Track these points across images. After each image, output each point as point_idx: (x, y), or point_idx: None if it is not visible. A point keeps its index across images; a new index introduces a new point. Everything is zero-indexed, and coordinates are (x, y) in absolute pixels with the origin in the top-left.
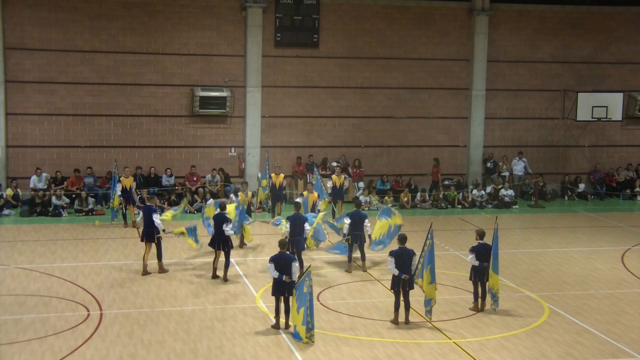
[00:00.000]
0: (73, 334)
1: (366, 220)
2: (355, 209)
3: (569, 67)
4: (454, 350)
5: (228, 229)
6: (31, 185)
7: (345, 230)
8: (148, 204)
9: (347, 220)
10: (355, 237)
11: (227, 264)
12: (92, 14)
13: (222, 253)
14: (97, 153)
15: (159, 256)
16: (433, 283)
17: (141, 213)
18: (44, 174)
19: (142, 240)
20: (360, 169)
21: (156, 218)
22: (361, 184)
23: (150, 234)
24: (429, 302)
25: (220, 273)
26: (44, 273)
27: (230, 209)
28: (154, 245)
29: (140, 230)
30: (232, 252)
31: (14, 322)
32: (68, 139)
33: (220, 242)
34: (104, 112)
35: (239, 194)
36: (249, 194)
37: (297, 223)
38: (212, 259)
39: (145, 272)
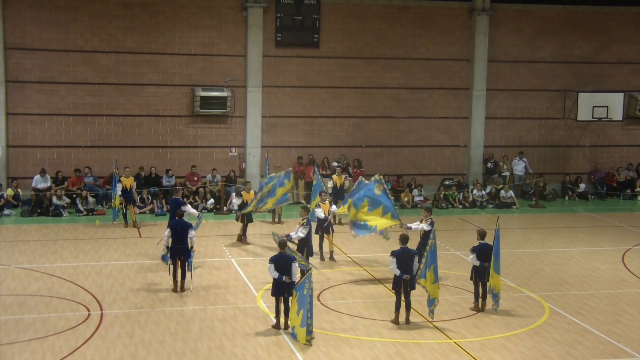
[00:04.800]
0: (74, 334)
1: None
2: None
3: (570, 67)
4: (455, 350)
5: (192, 235)
6: (33, 184)
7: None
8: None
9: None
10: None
11: (183, 274)
12: (92, 14)
13: (179, 263)
14: (98, 153)
15: (183, 275)
16: (436, 282)
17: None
18: (47, 175)
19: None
20: (361, 169)
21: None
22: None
23: (181, 251)
24: (432, 302)
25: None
26: (44, 273)
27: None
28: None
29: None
30: (233, 251)
31: (14, 322)
32: (69, 139)
33: (181, 252)
34: (104, 112)
35: (242, 193)
36: (252, 192)
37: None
38: (171, 269)
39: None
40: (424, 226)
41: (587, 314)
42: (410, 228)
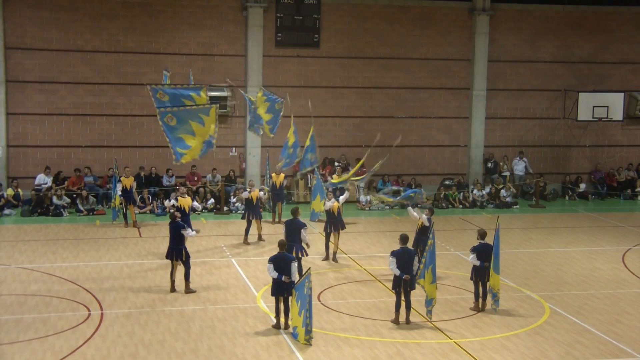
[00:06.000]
0: (74, 334)
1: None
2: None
3: (570, 67)
4: (455, 350)
5: (188, 233)
6: (36, 182)
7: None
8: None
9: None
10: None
11: (187, 274)
12: (93, 14)
13: (179, 264)
14: (98, 153)
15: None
16: (434, 283)
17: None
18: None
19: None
20: (363, 169)
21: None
22: (362, 184)
23: (179, 252)
24: (430, 302)
25: (181, 286)
26: (44, 273)
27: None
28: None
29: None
30: (233, 251)
31: (14, 322)
32: (69, 138)
33: (179, 252)
34: (104, 111)
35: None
36: (256, 190)
37: (292, 228)
38: (171, 269)
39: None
40: (424, 217)
41: (588, 314)
42: (410, 207)
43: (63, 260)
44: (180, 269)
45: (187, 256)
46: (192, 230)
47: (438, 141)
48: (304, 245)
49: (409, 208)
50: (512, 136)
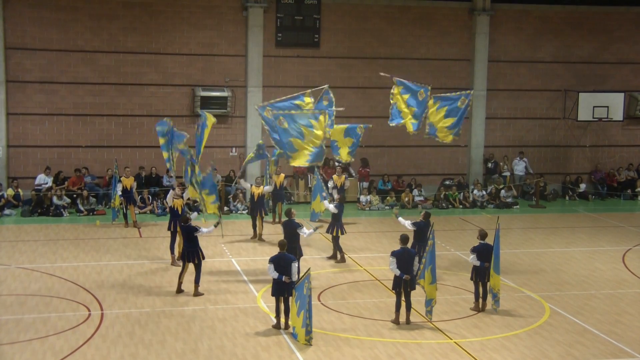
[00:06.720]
0: (74, 334)
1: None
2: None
3: (570, 67)
4: (455, 350)
5: (201, 232)
6: (36, 182)
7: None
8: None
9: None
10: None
11: (197, 278)
12: (93, 14)
13: (192, 266)
14: (98, 153)
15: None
16: (434, 283)
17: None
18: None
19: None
20: (366, 169)
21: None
22: (364, 184)
23: (192, 253)
24: (429, 302)
25: (190, 287)
26: (45, 273)
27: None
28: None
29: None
30: (233, 251)
31: (15, 322)
32: (69, 138)
33: (192, 254)
34: (105, 112)
35: (252, 186)
36: (261, 188)
37: (288, 229)
38: (180, 269)
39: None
40: (407, 224)
41: (588, 314)
42: (398, 217)
43: (63, 260)
44: (189, 272)
45: (201, 258)
46: (205, 229)
47: (438, 141)
48: (308, 236)
49: (399, 219)
50: (512, 136)
